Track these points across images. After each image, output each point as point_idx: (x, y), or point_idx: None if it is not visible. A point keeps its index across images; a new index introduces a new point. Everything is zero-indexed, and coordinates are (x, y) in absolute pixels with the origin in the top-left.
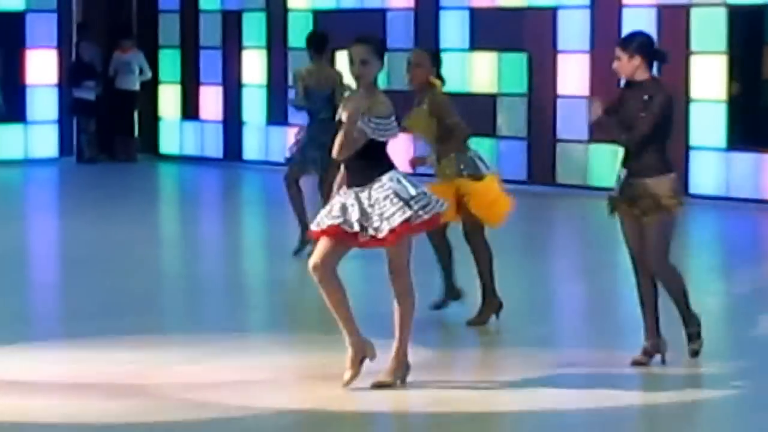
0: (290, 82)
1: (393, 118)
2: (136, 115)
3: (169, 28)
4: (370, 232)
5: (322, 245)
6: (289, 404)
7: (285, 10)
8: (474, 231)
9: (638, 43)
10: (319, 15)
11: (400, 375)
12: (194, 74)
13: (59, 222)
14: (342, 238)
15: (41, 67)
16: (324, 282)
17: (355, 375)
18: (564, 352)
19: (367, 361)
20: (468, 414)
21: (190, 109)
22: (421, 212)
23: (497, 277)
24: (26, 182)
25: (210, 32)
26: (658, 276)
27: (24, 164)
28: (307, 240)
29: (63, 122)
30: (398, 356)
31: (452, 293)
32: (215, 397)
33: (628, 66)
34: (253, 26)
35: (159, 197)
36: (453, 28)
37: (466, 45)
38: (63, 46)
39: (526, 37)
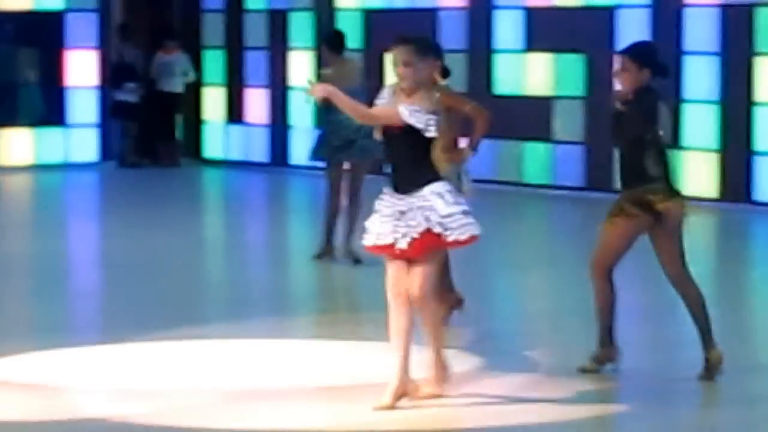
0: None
1: (433, 116)
2: (179, 118)
3: (213, 28)
4: (400, 243)
5: (389, 272)
6: (334, 417)
7: (333, 10)
8: None
9: (648, 54)
10: (369, 14)
11: (444, 383)
12: (239, 76)
13: (100, 228)
14: (387, 252)
15: (81, 68)
16: (395, 302)
17: (389, 407)
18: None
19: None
20: None
21: (235, 112)
22: (448, 231)
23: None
24: (66, 187)
25: (256, 32)
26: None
27: (64, 169)
28: (327, 251)
29: (104, 126)
30: (435, 365)
31: (454, 302)
32: (258, 406)
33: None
34: (300, 26)
35: (203, 203)
36: (507, 28)
37: (521, 46)
38: (104, 46)
39: (584, 37)
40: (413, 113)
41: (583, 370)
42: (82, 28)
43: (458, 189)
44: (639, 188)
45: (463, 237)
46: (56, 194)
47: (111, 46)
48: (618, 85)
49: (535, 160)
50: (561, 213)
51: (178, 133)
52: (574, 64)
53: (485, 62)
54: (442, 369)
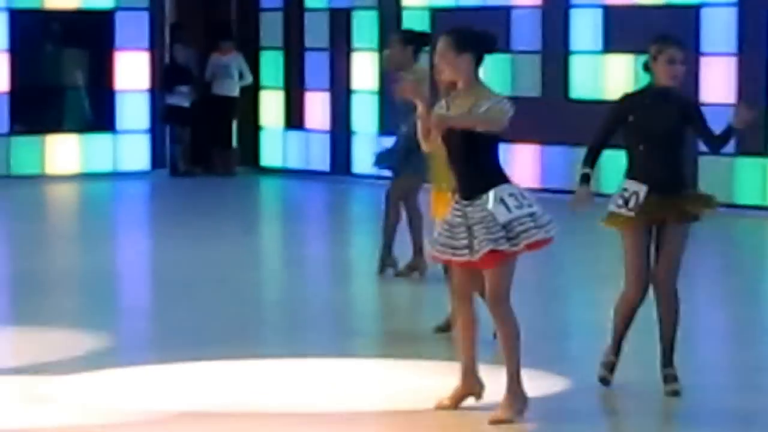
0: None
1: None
2: (234, 123)
3: (271, 27)
4: (468, 255)
5: (454, 276)
6: None
7: (399, 8)
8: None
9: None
10: (436, 13)
11: (517, 408)
12: (299, 79)
13: (151, 241)
14: (449, 260)
15: (131, 70)
16: (461, 308)
17: (450, 407)
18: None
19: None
20: None
21: (294, 118)
22: (516, 240)
23: None
24: (115, 197)
25: (316, 32)
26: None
27: (112, 177)
28: (389, 263)
29: (155, 131)
30: (510, 389)
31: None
32: (317, 428)
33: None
34: (364, 26)
35: (260, 214)
36: (584, 28)
37: (599, 47)
38: (155, 47)
39: None
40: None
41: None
42: (133, 27)
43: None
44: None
45: (522, 244)
46: (104, 205)
47: (163, 47)
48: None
49: (614, 169)
50: None
51: (234, 140)
52: None
53: (561, 64)
54: (514, 393)
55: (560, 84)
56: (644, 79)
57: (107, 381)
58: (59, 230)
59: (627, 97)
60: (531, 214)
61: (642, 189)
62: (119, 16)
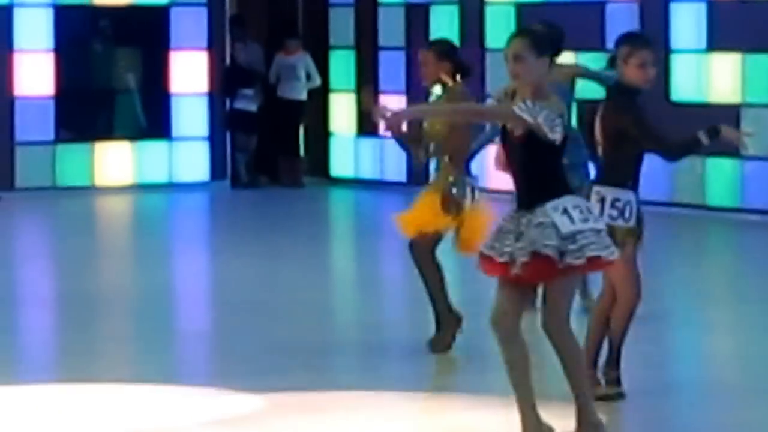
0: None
1: (559, 119)
2: (302, 130)
3: (341, 24)
4: (513, 267)
5: (497, 295)
6: None
7: (482, 3)
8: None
9: None
10: (522, 8)
11: None
12: (372, 80)
13: (211, 259)
14: (500, 273)
15: (189, 72)
16: (503, 342)
17: None
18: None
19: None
20: None
21: (367, 123)
22: (579, 253)
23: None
24: (171, 211)
25: (391, 29)
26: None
27: (168, 189)
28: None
29: (215, 139)
30: (580, 419)
31: (450, 324)
32: None
33: None
34: (443, 22)
35: (330, 230)
36: (686, 24)
37: (703, 45)
38: (215, 46)
39: None
40: (534, 111)
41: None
42: (190, 24)
43: (463, 198)
44: None
45: (577, 262)
46: (159, 219)
47: (223, 46)
48: None
49: (719, 179)
50: (750, 242)
51: (301, 148)
52: (766, 66)
53: (661, 64)
54: (587, 425)
55: (660, 85)
56: (755, 80)
57: (159, 411)
58: (110, 247)
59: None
60: (597, 231)
61: (632, 197)
62: (175, 12)
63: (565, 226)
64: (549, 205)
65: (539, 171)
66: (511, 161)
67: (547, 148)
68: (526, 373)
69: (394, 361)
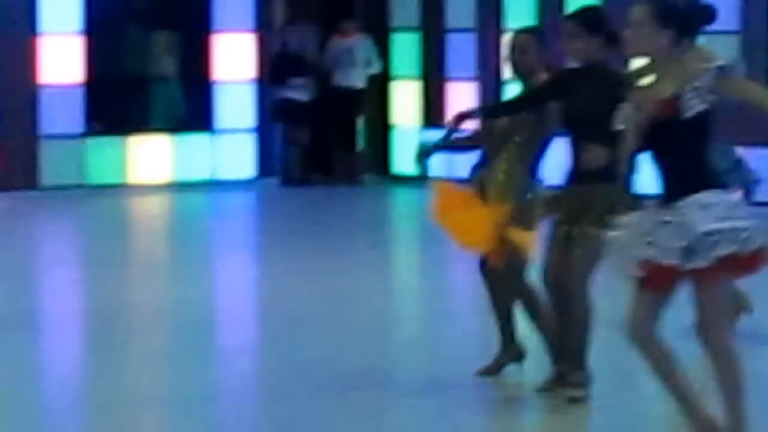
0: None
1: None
2: (360, 122)
3: (404, 3)
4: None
5: (637, 300)
6: None
7: None
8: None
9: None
10: None
11: None
12: (439, 66)
13: (258, 266)
14: (659, 279)
15: (233, 57)
16: (645, 351)
17: None
18: None
19: None
20: None
21: (433, 114)
22: (699, 259)
23: None
24: (214, 211)
25: (460, 10)
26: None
27: (211, 187)
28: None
29: (263, 131)
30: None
31: (511, 352)
32: None
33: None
34: (519, 1)
35: (391, 232)
36: None
37: None
38: (263, 28)
39: None
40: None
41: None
42: (235, 4)
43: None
44: None
45: (702, 264)
46: (201, 221)
47: (272, 29)
48: None
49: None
50: None
51: (360, 142)
52: None
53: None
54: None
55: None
56: None
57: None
58: (147, 253)
59: None
60: (741, 229)
61: None
62: None
63: (702, 223)
64: (690, 199)
65: (687, 156)
66: (653, 146)
67: (693, 131)
68: (674, 372)
69: (463, 378)
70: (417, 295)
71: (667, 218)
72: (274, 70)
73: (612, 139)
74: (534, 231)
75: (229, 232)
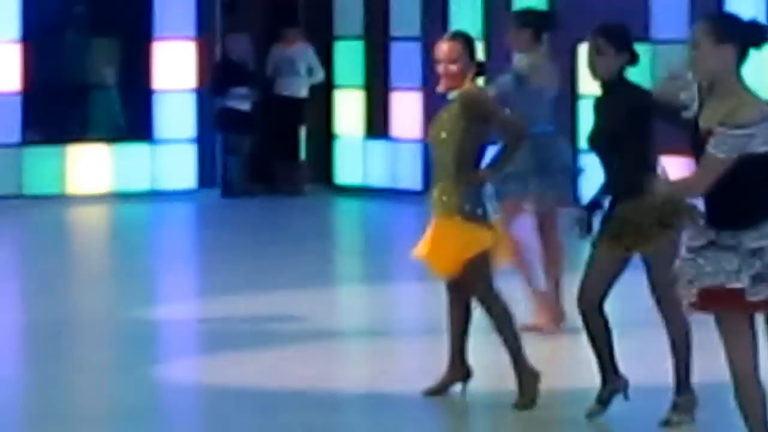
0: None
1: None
2: (302, 131)
3: (348, 11)
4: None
5: (732, 341)
6: None
7: None
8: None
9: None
10: None
11: None
12: (383, 75)
13: (199, 278)
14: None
15: (174, 65)
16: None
17: None
18: None
19: None
20: None
21: (377, 124)
22: (755, 290)
23: None
24: (154, 222)
25: (405, 18)
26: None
27: (150, 198)
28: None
29: (203, 141)
30: None
31: (459, 372)
32: None
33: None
34: (465, 9)
35: (334, 244)
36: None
37: None
38: (204, 36)
39: None
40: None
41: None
42: (176, 11)
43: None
44: None
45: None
46: (141, 232)
47: (214, 36)
48: None
49: None
50: None
51: (302, 152)
52: None
53: None
54: None
55: None
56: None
57: None
58: (83, 266)
59: None
60: None
61: None
62: None
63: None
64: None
65: (742, 181)
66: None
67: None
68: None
69: (408, 408)
70: (360, 307)
71: (748, 246)
72: (215, 78)
73: (637, 154)
74: (503, 240)
75: (170, 243)
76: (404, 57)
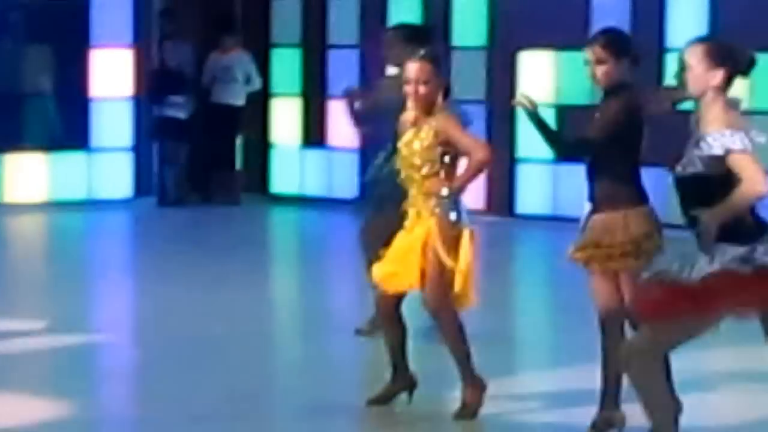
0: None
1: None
2: (239, 140)
3: (285, 19)
4: None
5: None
6: None
7: None
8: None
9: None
10: None
11: None
12: (320, 84)
13: (135, 287)
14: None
15: (111, 73)
16: None
17: None
18: None
19: None
20: None
21: (313, 133)
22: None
23: None
24: (90, 231)
25: (343, 25)
26: None
27: (88, 207)
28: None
29: (140, 150)
30: None
31: (404, 381)
32: None
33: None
34: (404, 15)
35: (270, 253)
36: (686, 19)
37: None
38: (141, 43)
39: None
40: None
41: None
42: (113, 19)
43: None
44: None
45: None
46: (77, 241)
47: (150, 43)
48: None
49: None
50: None
51: (238, 161)
52: None
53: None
54: None
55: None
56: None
57: None
58: (18, 275)
59: None
60: None
61: None
62: (95, 4)
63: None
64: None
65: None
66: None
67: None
68: None
69: (341, 414)
70: (297, 315)
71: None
72: (151, 86)
73: (628, 162)
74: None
75: (106, 252)
76: (342, 65)
